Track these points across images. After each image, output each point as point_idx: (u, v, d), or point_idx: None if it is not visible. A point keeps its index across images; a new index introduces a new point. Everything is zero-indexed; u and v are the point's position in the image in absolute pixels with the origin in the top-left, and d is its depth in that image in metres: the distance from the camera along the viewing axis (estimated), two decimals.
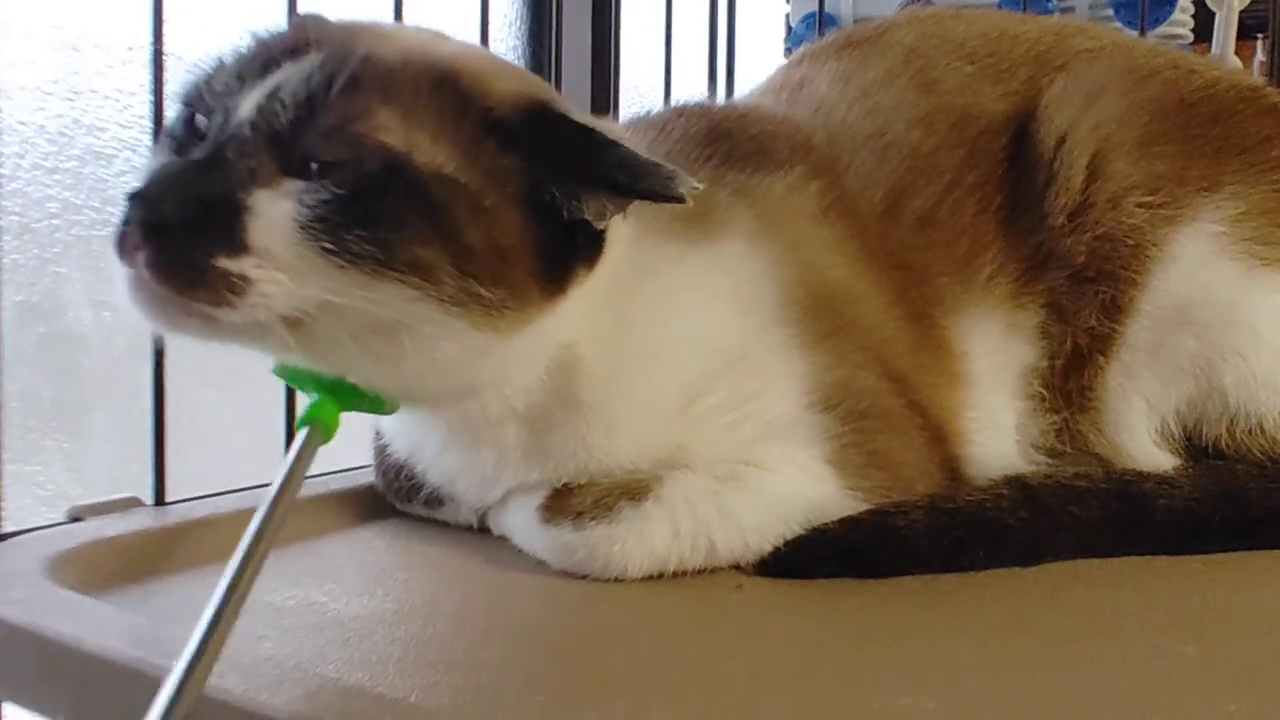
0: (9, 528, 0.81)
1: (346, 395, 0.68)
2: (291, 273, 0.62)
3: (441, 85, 0.69)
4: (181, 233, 0.61)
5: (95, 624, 0.60)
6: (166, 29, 0.90)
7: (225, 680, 0.53)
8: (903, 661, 0.64)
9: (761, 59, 1.63)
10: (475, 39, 1.22)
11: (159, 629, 0.60)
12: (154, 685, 0.52)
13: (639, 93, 1.64)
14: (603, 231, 0.73)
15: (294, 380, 0.69)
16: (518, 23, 1.64)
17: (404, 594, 0.74)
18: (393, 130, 0.66)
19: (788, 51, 1.71)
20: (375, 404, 0.71)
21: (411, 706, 0.52)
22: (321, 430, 0.64)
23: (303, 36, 0.71)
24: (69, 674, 0.58)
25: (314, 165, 0.65)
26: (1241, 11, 1.44)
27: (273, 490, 0.58)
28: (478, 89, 0.70)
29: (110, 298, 1.21)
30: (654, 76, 1.52)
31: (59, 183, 1.19)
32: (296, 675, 0.55)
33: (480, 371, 0.73)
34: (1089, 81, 0.93)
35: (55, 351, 1.20)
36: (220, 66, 0.71)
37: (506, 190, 0.68)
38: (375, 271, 0.63)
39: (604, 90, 1.53)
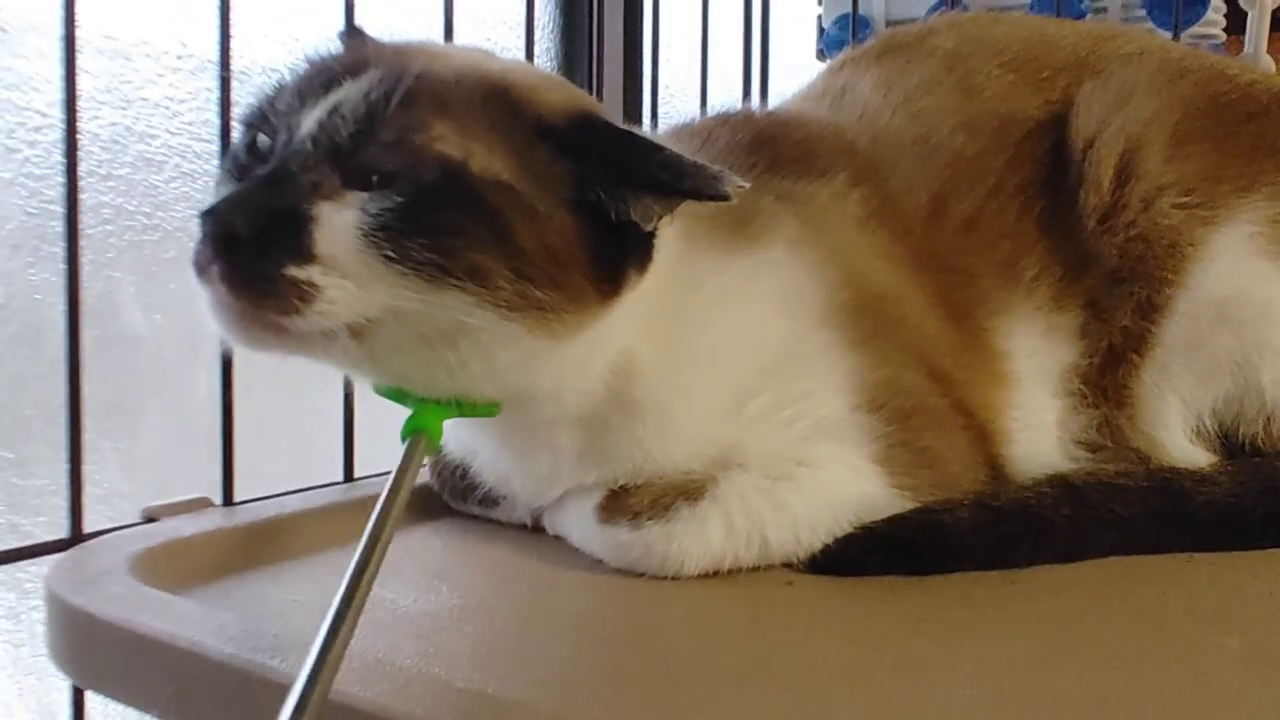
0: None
1: (454, 402, 0.71)
2: (355, 279, 0.65)
3: (493, 98, 0.71)
4: (251, 245, 0.63)
5: (186, 621, 0.63)
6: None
7: None
8: (955, 654, 0.66)
9: (794, 61, 1.65)
10: (511, 39, 1.24)
11: (247, 625, 0.62)
12: (246, 679, 0.55)
13: (673, 97, 1.66)
14: (652, 235, 0.75)
15: (394, 395, 0.72)
16: (551, 26, 1.67)
17: (467, 590, 0.76)
18: (449, 140, 0.68)
19: (820, 53, 1.73)
20: (484, 407, 0.73)
21: (494, 699, 0.54)
22: (427, 439, 0.66)
23: (359, 56, 0.73)
24: (165, 669, 0.60)
25: (374, 177, 0.67)
26: (1274, 10, 1.45)
27: (381, 500, 0.60)
28: (527, 100, 0.72)
29: (162, 301, 1.25)
30: (688, 80, 1.54)
31: (112, 189, 1.22)
32: (380, 670, 0.57)
33: (538, 377, 0.75)
34: (1118, 84, 0.94)
35: (109, 354, 1.23)
36: (281, 87, 0.73)
37: (558, 196, 0.70)
38: (435, 278, 0.65)
39: (638, 95, 1.55)
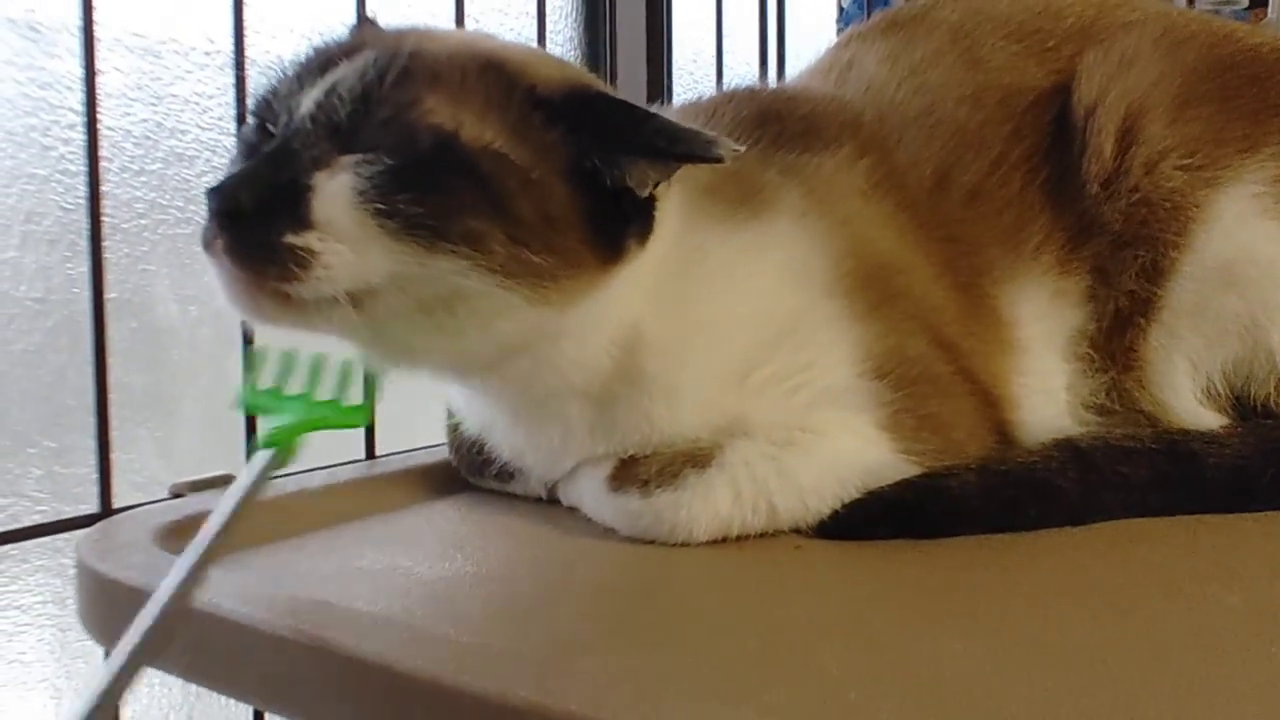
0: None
1: (320, 414, 0.67)
2: (352, 244, 0.67)
3: (486, 71, 0.73)
4: (253, 218, 0.66)
5: (205, 584, 0.65)
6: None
7: (329, 631, 0.58)
8: (955, 613, 0.67)
9: (813, 42, 1.66)
10: (532, 28, 1.26)
11: (265, 588, 0.65)
12: (263, 639, 0.58)
13: (693, 79, 1.67)
14: (650, 203, 0.76)
15: (259, 408, 0.69)
16: (573, 14, 1.68)
17: (482, 559, 0.78)
18: (440, 112, 0.70)
19: (840, 33, 1.73)
20: (349, 417, 0.69)
21: (497, 652, 0.56)
22: (284, 453, 0.65)
23: (357, 40, 0.77)
24: (185, 631, 0.63)
25: (370, 153, 0.69)
26: None
27: (227, 505, 0.60)
28: (520, 73, 0.74)
29: (195, 292, 1.28)
30: (708, 62, 1.55)
31: (145, 184, 1.25)
32: (390, 626, 0.59)
33: (538, 347, 0.77)
34: (1120, 50, 0.94)
35: (145, 344, 1.27)
36: (283, 75, 0.76)
37: (553, 164, 0.72)
38: (430, 243, 0.67)
39: (658, 77, 1.57)
